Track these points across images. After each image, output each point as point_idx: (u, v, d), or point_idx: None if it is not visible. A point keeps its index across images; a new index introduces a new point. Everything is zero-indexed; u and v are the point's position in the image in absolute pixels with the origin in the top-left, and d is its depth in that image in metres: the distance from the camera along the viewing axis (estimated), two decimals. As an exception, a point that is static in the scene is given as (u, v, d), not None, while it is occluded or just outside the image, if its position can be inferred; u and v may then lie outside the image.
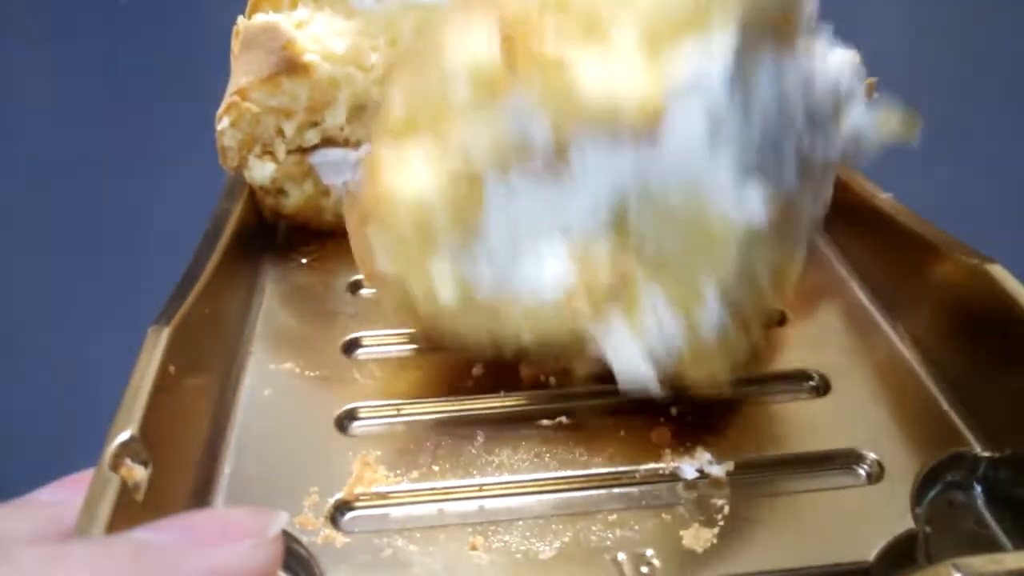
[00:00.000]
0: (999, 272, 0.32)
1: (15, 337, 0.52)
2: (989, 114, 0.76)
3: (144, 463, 0.26)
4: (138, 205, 0.64)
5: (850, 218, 0.42)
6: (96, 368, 0.46)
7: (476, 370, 0.36)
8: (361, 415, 0.34)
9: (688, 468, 0.31)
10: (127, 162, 0.71)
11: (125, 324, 0.47)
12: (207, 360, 0.35)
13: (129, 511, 0.24)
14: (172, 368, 0.30)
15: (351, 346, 0.38)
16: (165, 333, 0.30)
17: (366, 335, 0.39)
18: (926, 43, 0.95)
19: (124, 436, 0.26)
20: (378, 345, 0.38)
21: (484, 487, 0.31)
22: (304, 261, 0.44)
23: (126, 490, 0.25)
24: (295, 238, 0.46)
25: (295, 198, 0.44)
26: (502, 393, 0.35)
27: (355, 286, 0.42)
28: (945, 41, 0.95)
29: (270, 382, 0.36)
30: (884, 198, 0.39)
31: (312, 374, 0.36)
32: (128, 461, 0.26)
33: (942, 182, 0.65)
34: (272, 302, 0.41)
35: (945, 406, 0.33)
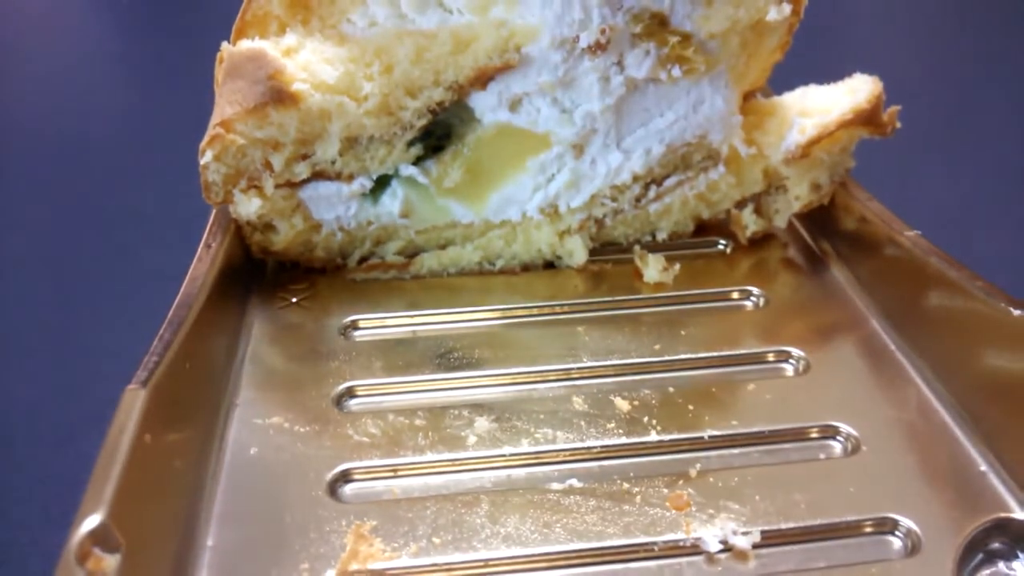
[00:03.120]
0: None
1: (15, 337, 0.50)
2: (989, 115, 0.74)
3: (114, 550, 0.24)
4: (139, 202, 0.62)
5: (873, 255, 0.39)
6: (96, 368, 0.45)
7: (480, 423, 0.34)
8: (355, 477, 0.32)
9: (711, 539, 0.28)
10: (129, 157, 0.69)
11: (126, 323, 0.46)
12: (188, 417, 0.32)
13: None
14: (148, 437, 0.27)
15: (344, 396, 0.36)
16: (141, 396, 0.28)
17: (360, 384, 0.36)
18: (926, 44, 0.93)
19: (92, 522, 0.23)
20: (373, 395, 0.36)
21: (489, 563, 0.28)
22: (294, 300, 0.41)
23: None
24: (284, 276, 0.43)
25: (284, 234, 0.41)
26: (506, 451, 0.33)
27: (348, 328, 0.40)
28: (946, 42, 0.93)
29: (257, 439, 0.33)
30: (910, 235, 0.37)
31: (302, 429, 0.34)
32: (96, 550, 0.23)
33: (941, 184, 0.63)
34: (260, 345, 0.39)
35: (982, 466, 0.31)
